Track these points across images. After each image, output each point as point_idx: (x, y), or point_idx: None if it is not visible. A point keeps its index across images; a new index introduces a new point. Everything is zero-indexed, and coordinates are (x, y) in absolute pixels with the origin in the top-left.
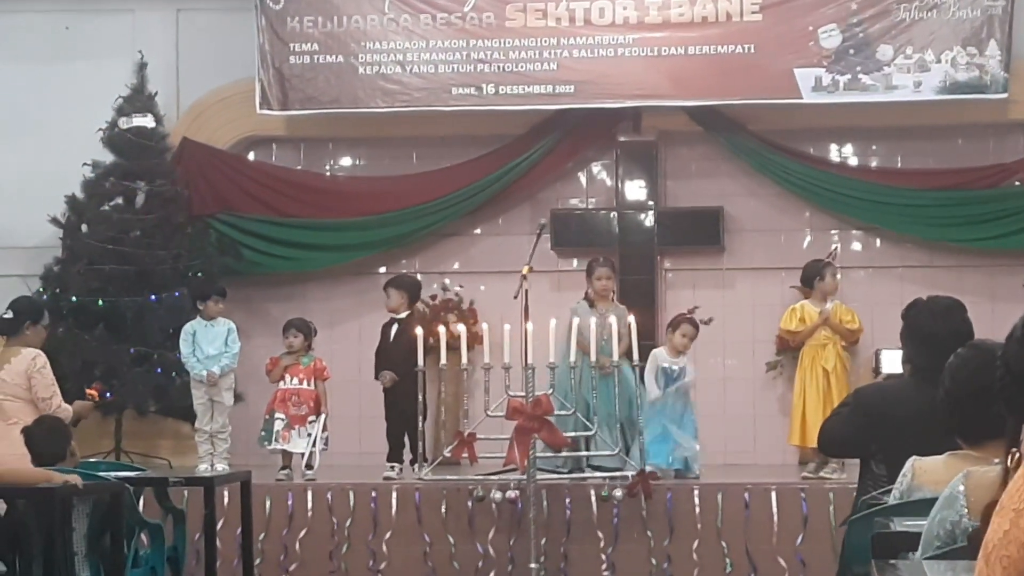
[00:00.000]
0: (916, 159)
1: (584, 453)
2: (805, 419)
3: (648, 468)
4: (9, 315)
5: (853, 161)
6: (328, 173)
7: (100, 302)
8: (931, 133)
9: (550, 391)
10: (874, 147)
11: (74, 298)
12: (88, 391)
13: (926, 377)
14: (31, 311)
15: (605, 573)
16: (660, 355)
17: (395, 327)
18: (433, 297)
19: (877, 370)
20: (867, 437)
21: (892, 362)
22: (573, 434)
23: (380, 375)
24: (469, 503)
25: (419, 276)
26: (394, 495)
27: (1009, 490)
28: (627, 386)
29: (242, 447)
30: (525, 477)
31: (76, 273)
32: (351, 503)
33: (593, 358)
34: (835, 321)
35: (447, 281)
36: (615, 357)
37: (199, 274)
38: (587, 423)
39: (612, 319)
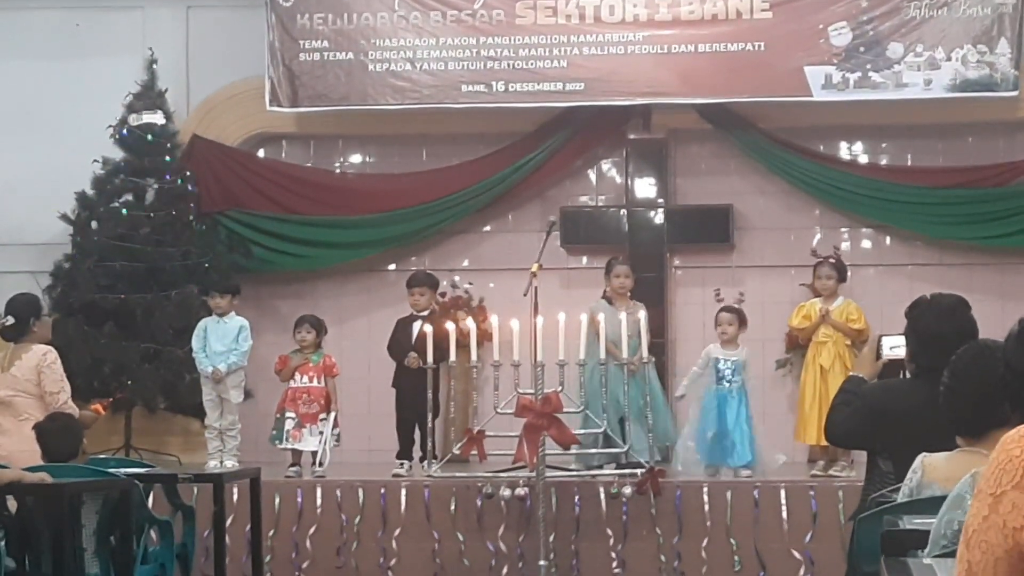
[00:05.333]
0: (926, 157)
1: (594, 451)
2: (807, 416)
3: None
4: (11, 321)
5: (863, 159)
6: (338, 170)
7: (110, 299)
8: (941, 131)
9: (559, 388)
10: (884, 145)
11: (83, 295)
12: (93, 407)
13: (930, 376)
14: (31, 308)
15: (616, 570)
16: (712, 348)
17: (418, 324)
18: (443, 294)
19: (879, 356)
20: (873, 434)
21: (894, 348)
22: (579, 432)
23: (407, 359)
24: (478, 500)
25: (430, 272)
26: (403, 492)
27: (985, 474)
28: (642, 383)
29: (252, 444)
30: (534, 474)
31: (86, 270)
32: (360, 500)
33: (625, 355)
34: (838, 320)
35: (457, 278)
36: (625, 354)
37: (208, 271)
38: (597, 421)
39: (622, 316)
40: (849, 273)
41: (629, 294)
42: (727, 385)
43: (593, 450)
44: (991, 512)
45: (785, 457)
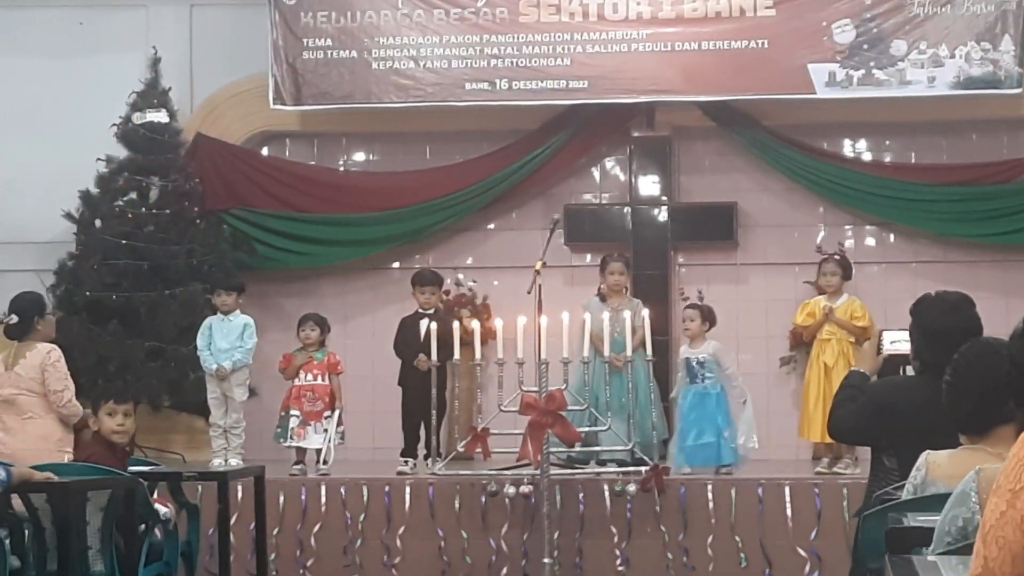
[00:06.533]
0: (930, 154)
1: (596, 448)
2: (811, 414)
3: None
4: (15, 319)
5: (867, 156)
6: (342, 168)
7: (114, 297)
8: (945, 128)
9: (563, 386)
10: (888, 142)
11: (88, 293)
12: None
13: (935, 373)
14: (35, 306)
15: (620, 568)
16: (682, 349)
17: (424, 322)
18: (447, 292)
19: (880, 350)
20: (877, 430)
21: (894, 343)
22: (586, 429)
23: (417, 361)
24: (482, 498)
25: (436, 271)
26: (408, 490)
27: (1005, 470)
28: (640, 380)
29: (256, 442)
30: (538, 472)
31: (90, 268)
32: (365, 498)
33: (606, 353)
34: (842, 317)
35: (461, 276)
36: (628, 352)
37: (212, 269)
38: (600, 418)
39: (626, 314)
40: (853, 270)
41: (626, 291)
42: (701, 383)
43: (596, 447)
44: (1009, 508)
45: (755, 445)
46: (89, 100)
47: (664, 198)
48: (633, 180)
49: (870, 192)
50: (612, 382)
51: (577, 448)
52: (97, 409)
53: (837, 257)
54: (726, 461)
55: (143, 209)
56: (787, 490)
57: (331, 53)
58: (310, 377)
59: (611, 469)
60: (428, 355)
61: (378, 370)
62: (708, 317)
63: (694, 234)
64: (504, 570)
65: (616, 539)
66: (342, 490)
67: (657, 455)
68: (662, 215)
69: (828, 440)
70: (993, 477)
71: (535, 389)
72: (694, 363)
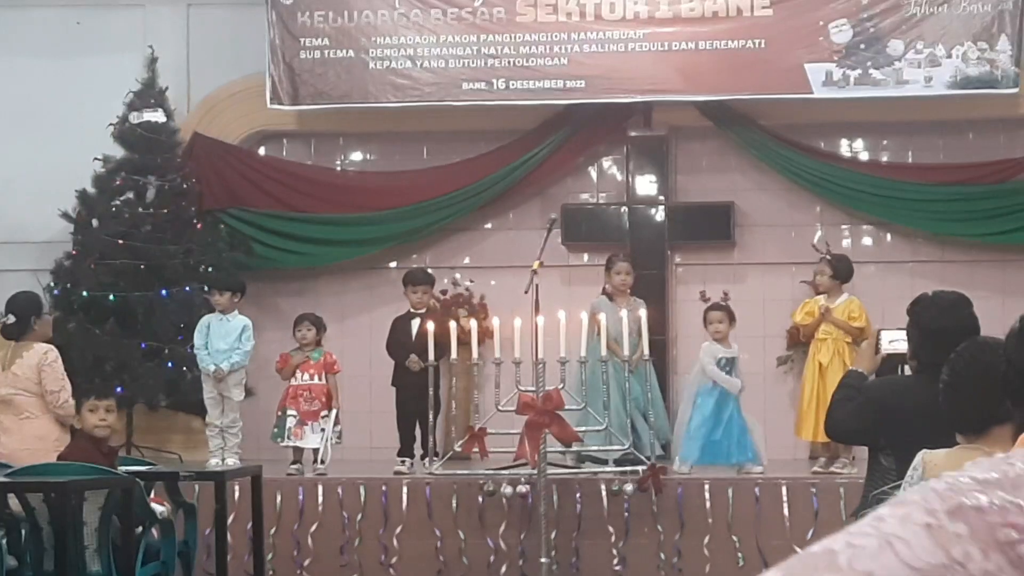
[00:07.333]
0: (927, 154)
1: (608, 447)
2: (806, 413)
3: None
4: (12, 319)
5: (864, 156)
6: (339, 168)
7: (112, 297)
8: (942, 128)
9: (561, 386)
10: (885, 142)
11: (85, 293)
12: None
13: (932, 372)
14: (32, 306)
15: (617, 567)
16: (710, 347)
17: (416, 322)
18: (444, 292)
19: (878, 350)
20: (875, 430)
21: (892, 342)
22: (581, 429)
23: (408, 361)
24: (480, 498)
25: (430, 271)
26: (404, 490)
27: None
28: (642, 380)
29: (253, 441)
30: (536, 472)
31: (87, 268)
32: (362, 497)
33: (626, 353)
34: (839, 317)
35: (458, 276)
36: (626, 351)
37: (209, 269)
38: (598, 418)
39: (623, 313)
40: (853, 270)
41: (629, 291)
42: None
43: (595, 447)
44: None
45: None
46: (86, 100)
47: (661, 198)
48: (630, 180)
49: (867, 192)
50: (625, 381)
51: (576, 447)
52: (80, 407)
53: (828, 257)
54: (748, 460)
55: (140, 209)
56: (784, 490)
57: (328, 53)
58: (307, 377)
59: (609, 468)
60: (419, 355)
61: (375, 370)
62: (733, 318)
63: (691, 234)
64: (501, 570)
65: (613, 539)
66: (339, 490)
67: (655, 455)
68: (659, 215)
69: (824, 439)
70: None
71: (532, 389)
72: (723, 361)
